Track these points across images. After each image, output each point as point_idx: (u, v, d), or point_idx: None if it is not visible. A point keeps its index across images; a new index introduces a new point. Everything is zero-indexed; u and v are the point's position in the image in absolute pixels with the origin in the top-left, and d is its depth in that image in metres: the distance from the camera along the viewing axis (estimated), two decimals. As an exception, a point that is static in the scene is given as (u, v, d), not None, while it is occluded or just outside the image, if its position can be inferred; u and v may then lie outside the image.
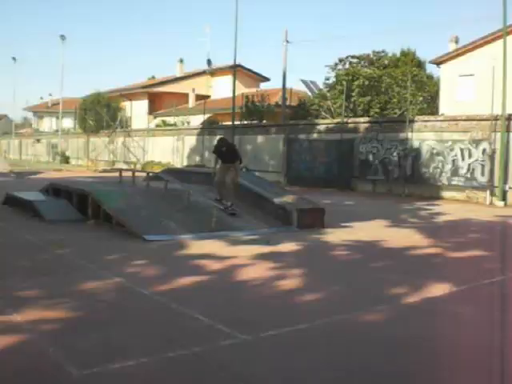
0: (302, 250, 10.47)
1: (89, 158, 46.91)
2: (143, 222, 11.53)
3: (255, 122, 35.66)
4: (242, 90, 40.25)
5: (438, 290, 7.56)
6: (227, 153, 13.29)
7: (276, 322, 5.94)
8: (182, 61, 55.73)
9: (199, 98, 48.81)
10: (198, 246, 10.28)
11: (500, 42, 22.38)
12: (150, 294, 6.91)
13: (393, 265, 9.40)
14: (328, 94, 36.06)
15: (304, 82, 39.57)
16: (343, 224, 13.68)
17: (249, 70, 50.90)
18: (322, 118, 32.70)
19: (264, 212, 13.20)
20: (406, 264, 9.52)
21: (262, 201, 13.50)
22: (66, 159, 50.37)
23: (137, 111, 51.71)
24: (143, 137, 42.05)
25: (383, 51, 41.85)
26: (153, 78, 64.72)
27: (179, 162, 37.35)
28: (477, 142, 21.59)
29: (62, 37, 49.31)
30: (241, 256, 9.43)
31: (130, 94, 53.45)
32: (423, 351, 5.28)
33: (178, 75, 54.49)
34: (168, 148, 38.75)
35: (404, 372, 4.79)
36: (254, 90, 43.10)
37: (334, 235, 12.09)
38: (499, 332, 5.90)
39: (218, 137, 13.19)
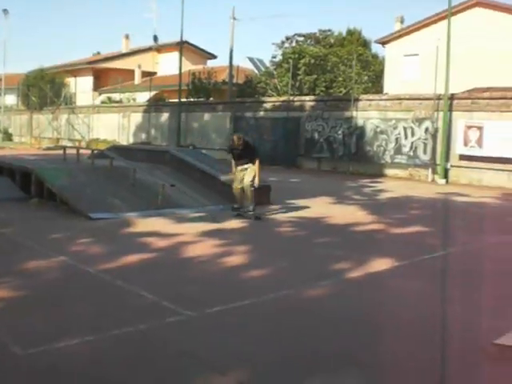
0: (247, 227, 10.56)
1: (32, 136, 45.85)
2: (88, 200, 11.40)
3: (202, 99, 35.47)
4: (188, 67, 39.86)
5: (381, 264, 7.75)
6: (245, 152, 11.55)
7: (222, 298, 6.00)
8: (127, 37, 54.77)
9: (145, 74, 48.07)
10: (144, 224, 10.25)
11: (444, 23, 22.74)
12: (95, 272, 6.88)
13: (337, 241, 9.57)
14: (274, 72, 36.14)
15: (251, 59, 39.46)
16: (289, 201, 13.80)
17: (196, 47, 50.40)
18: (269, 96, 32.79)
19: (210, 189, 13.20)
20: (350, 240, 9.70)
21: (208, 178, 13.50)
22: (8, 137, 49.08)
23: (81, 87, 50.59)
24: (88, 114, 41.33)
25: (329, 30, 42.16)
26: (98, 53, 63.35)
27: (125, 139, 36.88)
28: (420, 121, 21.99)
29: (5, 11, 47.91)
30: (187, 233, 9.45)
31: (74, 70, 52.28)
32: (365, 326, 5.42)
33: (124, 51, 53.51)
34: (113, 125, 38.20)
35: (346, 347, 4.92)
36: (200, 67, 42.77)
37: (279, 212, 12.21)
38: (440, 305, 6.11)
39: (234, 136, 11.96)
